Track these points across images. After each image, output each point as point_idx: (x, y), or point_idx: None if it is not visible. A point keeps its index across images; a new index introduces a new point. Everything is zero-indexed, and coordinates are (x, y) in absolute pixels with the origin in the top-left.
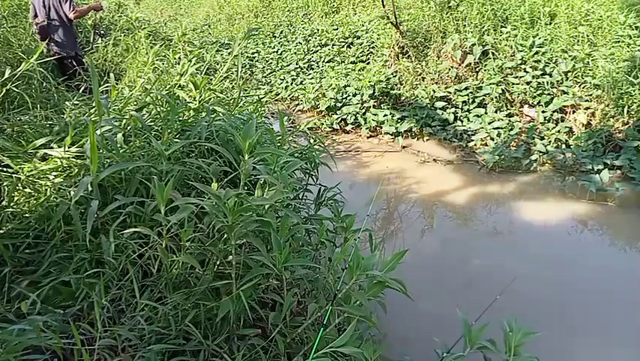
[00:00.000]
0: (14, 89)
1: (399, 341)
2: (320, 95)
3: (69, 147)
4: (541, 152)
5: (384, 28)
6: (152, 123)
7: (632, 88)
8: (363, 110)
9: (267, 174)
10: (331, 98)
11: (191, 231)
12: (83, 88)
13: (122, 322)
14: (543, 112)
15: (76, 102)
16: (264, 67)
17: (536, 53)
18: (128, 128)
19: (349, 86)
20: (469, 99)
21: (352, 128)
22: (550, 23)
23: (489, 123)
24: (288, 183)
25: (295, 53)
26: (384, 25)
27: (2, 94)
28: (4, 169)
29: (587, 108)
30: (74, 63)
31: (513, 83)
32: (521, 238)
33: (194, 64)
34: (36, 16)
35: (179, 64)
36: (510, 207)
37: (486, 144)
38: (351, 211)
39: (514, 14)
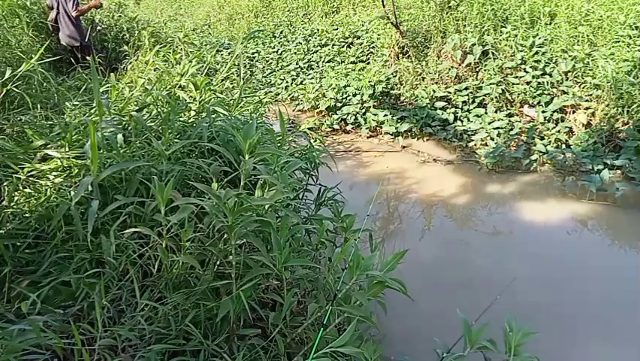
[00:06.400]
0: (14, 89)
1: (399, 341)
2: (320, 95)
3: (69, 147)
4: (541, 152)
5: (384, 28)
6: (153, 124)
7: (632, 88)
8: (363, 110)
9: (267, 174)
10: (331, 98)
11: (191, 231)
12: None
13: (122, 322)
14: (543, 112)
15: (77, 102)
16: (264, 67)
17: (536, 53)
18: (129, 128)
19: (349, 86)
20: (469, 99)
21: (352, 128)
22: (550, 23)
23: (489, 123)
24: (288, 183)
25: (295, 53)
26: (384, 25)
27: (2, 94)
28: (4, 169)
29: (587, 108)
30: (84, 52)
31: (513, 83)
32: (521, 238)
33: (195, 64)
34: (51, 8)
35: (179, 64)
36: (510, 207)
37: (486, 144)
38: (351, 211)
39: (514, 14)
